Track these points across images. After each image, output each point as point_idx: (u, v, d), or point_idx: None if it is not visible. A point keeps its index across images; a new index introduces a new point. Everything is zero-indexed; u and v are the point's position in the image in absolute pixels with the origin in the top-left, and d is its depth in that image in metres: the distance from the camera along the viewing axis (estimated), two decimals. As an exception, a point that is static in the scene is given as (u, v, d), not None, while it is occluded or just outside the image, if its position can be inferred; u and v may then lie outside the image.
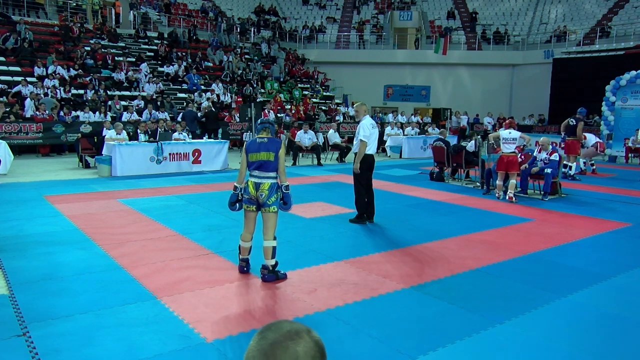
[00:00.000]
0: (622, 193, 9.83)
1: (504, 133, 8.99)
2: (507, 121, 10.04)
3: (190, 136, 13.39)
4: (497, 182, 9.00)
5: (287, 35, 28.31)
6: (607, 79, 17.51)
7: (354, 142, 6.88)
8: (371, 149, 6.70)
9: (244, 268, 4.71)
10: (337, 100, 23.41)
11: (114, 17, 22.83)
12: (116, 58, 19.05)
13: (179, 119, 15.27)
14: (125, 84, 18.06)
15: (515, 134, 8.91)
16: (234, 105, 18.69)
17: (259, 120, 4.77)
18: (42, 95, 14.95)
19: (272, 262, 4.54)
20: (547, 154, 9.09)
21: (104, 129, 12.22)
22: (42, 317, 3.63)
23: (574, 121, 11.93)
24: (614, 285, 4.63)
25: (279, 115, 18.51)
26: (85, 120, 14.57)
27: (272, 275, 4.50)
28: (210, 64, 22.22)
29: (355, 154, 6.73)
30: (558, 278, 4.76)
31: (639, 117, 16.15)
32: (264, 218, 4.51)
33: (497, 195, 8.95)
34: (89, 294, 4.12)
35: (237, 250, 4.87)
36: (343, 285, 4.43)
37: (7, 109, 13.61)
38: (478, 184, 10.34)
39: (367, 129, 6.56)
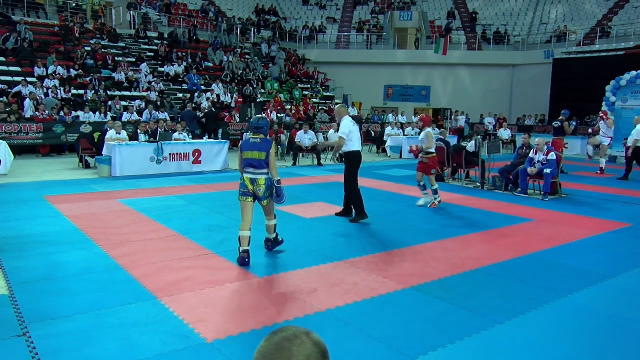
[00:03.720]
0: (622, 193, 9.83)
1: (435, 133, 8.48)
2: (424, 116, 8.56)
3: (190, 136, 13.39)
4: (436, 187, 8.08)
5: (287, 35, 28.30)
6: (607, 79, 17.51)
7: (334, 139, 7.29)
8: (356, 145, 6.93)
9: (245, 259, 4.92)
10: (337, 100, 23.39)
11: (113, 16, 22.83)
12: (116, 58, 19.05)
13: (185, 119, 15.35)
14: (125, 84, 18.06)
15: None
16: (233, 105, 18.69)
17: (253, 120, 5.20)
18: (42, 96, 14.96)
19: (274, 235, 5.36)
20: (543, 155, 9.08)
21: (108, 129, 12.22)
22: (42, 317, 3.63)
23: (558, 122, 12.93)
24: (614, 285, 4.63)
25: (279, 115, 18.52)
26: (85, 120, 14.57)
27: (274, 245, 5.40)
28: (210, 64, 22.22)
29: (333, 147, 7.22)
30: (558, 278, 4.76)
31: (639, 117, 16.14)
32: (264, 208, 5.21)
33: (438, 201, 8.03)
34: (89, 294, 4.12)
35: (237, 250, 5.03)
36: (343, 285, 4.43)
37: (8, 109, 13.61)
38: (478, 184, 10.34)
39: (346, 127, 6.81)
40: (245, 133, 15.95)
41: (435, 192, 8.02)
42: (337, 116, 7.23)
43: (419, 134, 8.55)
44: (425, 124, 8.16)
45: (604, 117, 14.13)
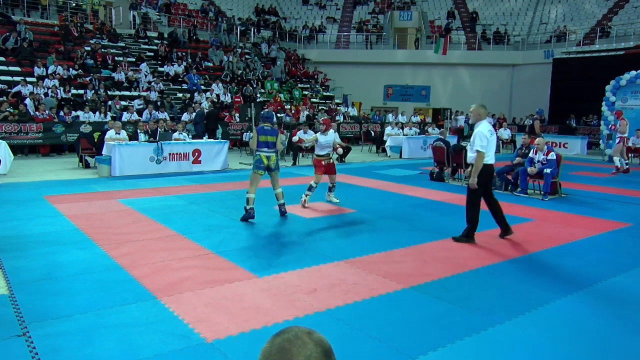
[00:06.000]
0: (622, 193, 9.83)
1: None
2: (326, 120, 8.45)
3: (190, 136, 13.40)
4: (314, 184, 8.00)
5: (287, 35, 28.30)
6: (607, 79, 17.50)
7: (468, 154, 6.05)
8: (490, 158, 5.88)
9: (252, 214, 6.76)
10: (337, 100, 23.41)
11: (113, 16, 22.83)
12: (116, 58, 19.04)
13: (196, 119, 15.35)
14: (125, 84, 18.06)
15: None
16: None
17: (263, 113, 7.24)
18: (42, 96, 14.96)
19: (283, 201, 7.11)
20: (543, 155, 9.08)
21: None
22: (42, 317, 3.63)
23: (530, 121, 13.32)
24: (614, 285, 4.63)
25: (279, 115, 18.53)
26: (85, 120, 14.57)
27: (285, 209, 7.14)
28: (210, 64, 22.23)
29: (472, 164, 5.91)
30: (558, 278, 4.76)
31: (639, 117, 16.15)
32: (274, 178, 7.08)
33: (303, 202, 7.92)
34: (89, 294, 4.12)
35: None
36: (343, 285, 4.43)
37: (15, 111, 13.62)
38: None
39: (483, 138, 5.73)
40: (245, 133, 16.07)
41: (309, 188, 7.98)
42: (474, 117, 5.97)
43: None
44: (327, 127, 8.16)
45: (619, 116, 13.80)
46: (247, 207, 6.74)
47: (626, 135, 13.30)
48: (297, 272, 4.74)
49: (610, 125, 13.70)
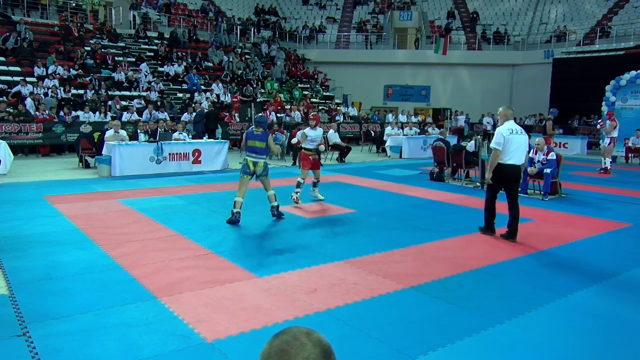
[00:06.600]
0: (622, 193, 9.83)
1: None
2: (316, 115, 8.79)
3: (191, 136, 13.39)
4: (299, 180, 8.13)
5: (287, 35, 28.30)
6: (607, 79, 17.52)
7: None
8: (514, 159, 5.92)
9: (237, 218, 6.58)
10: (337, 100, 23.40)
11: (113, 16, 22.83)
12: (116, 58, 19.04)
13: (196, 119, 15.35)
14: (125, 84, 18.06)
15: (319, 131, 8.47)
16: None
17: (256, 117, 7.04)
18: (42, 96, 14.97)
19: (276, 203, 6.92)
20: (543, 155, 9.08)
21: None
22: (42, 317, 3.63)
23: (544, 121, 13.38)
24: (614, 285, 4.63)
25: (279, 115, 18.52)
26: (85, 120, 14.57)
27: (279, 212, 6.94)
28: (210, 64, 22.23)
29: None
30: (558, 278, 4.76)
31: (639, 117, 16.16)
32: (264, 183, 6.86)
33: (294, 199, 8.05)
34: (89, 294, 4.12)
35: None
36: (343, 285, 4.43)
37: (14, 111, 13.61)
38: (478, 184, 10.34)
39: (499, 136, 5.89)
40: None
41: (298, 185, 8.11)
42: (501, 119, 6.17)
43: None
44: (317, 122, 8.49)
45: (609, 117, 14.02)
46: (234, 211, 6.57)
47: (615, 135, 13.37)
48: (297, 272, 4.74)
49: (599, 121, 13.97)
